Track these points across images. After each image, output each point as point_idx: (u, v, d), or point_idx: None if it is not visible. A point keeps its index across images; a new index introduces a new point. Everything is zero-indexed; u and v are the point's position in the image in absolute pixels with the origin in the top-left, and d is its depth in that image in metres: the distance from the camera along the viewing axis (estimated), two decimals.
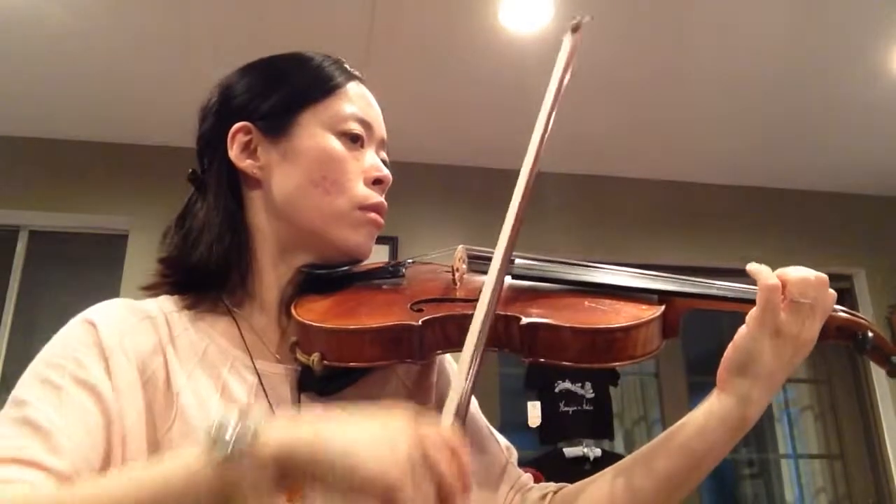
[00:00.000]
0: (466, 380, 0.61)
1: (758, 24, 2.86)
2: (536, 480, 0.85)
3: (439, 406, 0.82)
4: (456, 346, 0.69)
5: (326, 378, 0.73)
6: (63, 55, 2.97)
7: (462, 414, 0.60)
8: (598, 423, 3.22)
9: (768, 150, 3.78)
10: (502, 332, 0.70)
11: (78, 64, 3.03)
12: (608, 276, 0.76)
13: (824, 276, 0.71)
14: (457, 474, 0.52)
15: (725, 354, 0.71)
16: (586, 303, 0.73)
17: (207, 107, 0.85)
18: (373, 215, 0.81)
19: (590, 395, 3.23)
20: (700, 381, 3.90)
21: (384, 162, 0.86)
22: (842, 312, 0.75)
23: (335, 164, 0.79)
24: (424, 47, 2.99)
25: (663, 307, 0.72)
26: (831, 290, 0.71)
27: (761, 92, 3.28)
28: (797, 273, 0.70)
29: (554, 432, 3.19)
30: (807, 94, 3.31)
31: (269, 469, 0.51)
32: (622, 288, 0.74)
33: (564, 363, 0.68)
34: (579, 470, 2.98)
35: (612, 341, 0.68)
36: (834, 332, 0.75)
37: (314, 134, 0.80)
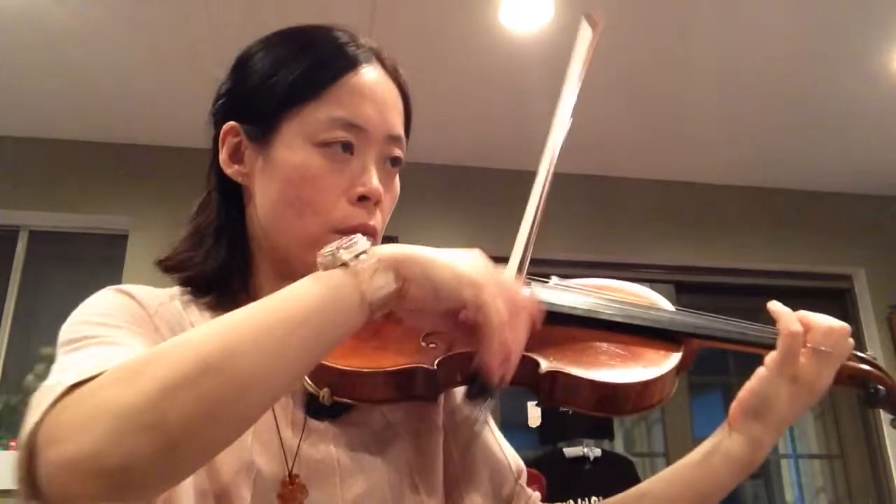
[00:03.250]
0: (530, 234, 0.66)
1: (760, 25, 2.86)
2: (536, 480, 0.84)
3: (448, 412, 0.80)
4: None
5: (335, 405, 0.71)
6: (63, 55, 2.97)
7: (523, 269, 0.68)
8: (598, 423, 3.21)
9: (769, 150, 3.78)
10: (519, 371, 0.67)
11: (78, 64, 3.03)
12: (627, 313, 0.74)
13: (847, 326, 0.70)
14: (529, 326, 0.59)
15: (740, 396, 0.70)
16: (605, 346, 0.72)
17: (218, 89, 0.80)
18: None
19: None
20: (700, 380, 3.90)
21: (395, 159, 0.76)
22: (855, 361, 0.74)
23: (309, 182, 0.71)
24: (424, 47, 2.99)
25: (682, 352, 0.71)
26: (850, 341, 0.72)
27: (762, 93, 3.28)
28: (822, 321, 0.69)
29: (554, 432, 3.19)
30: (807, 94, 3.31)
31: (390, 272, 0.56)
32: (643, 329, 0.73)
33: (582, 411, 0.68)
34: (579, 470, 2.98)
35: (631, 394, 0.67)
36: (845, 380, 0.74)
37: (291, 146, 0.72)
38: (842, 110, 3.42)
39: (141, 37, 2.89)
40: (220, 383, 0.47)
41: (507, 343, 0.58)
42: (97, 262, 3.62)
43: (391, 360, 0.68)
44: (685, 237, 3.95)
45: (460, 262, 0.59)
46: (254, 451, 0.67)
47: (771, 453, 4.16)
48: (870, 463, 3.84)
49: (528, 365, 0.68)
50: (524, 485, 0.81)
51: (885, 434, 3.79)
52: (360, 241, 0.58)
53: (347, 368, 0.67)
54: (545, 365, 0.67)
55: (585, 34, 0.78)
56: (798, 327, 0.68)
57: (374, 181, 0.73)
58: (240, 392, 0.48)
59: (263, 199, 0.74)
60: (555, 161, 0.74)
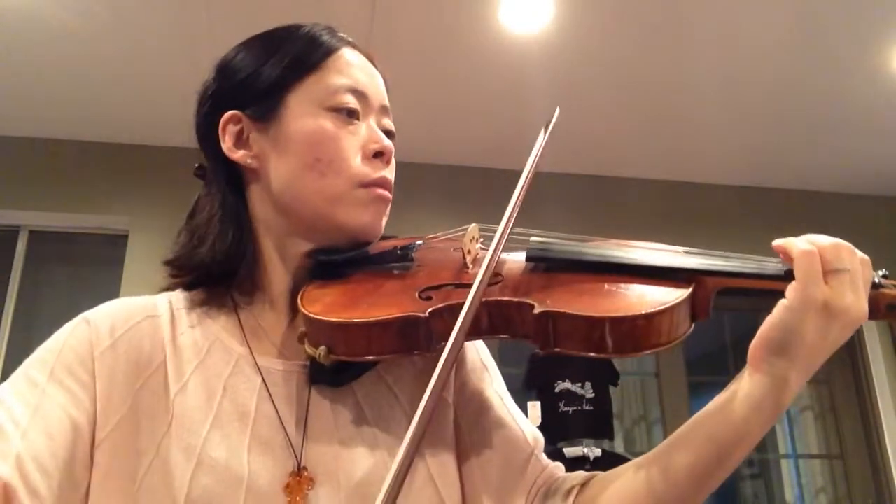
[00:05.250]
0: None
1: (760, 24, 2.86)
2: None
3: (458, 386, 0.79)
4: (468, 333, 0.65)
5: (337, 369, 0.71)
6: (63, 55, 2.97)
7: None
8: (598, 423, 3.21)
9: (769, 150, 3.78)
10: (517, 321, 0.66)
11: (78, 64, 3.04)
12: (631, 254, 0.71)
13: (847, 244, 0.65)
14: None
15: (761, 330, 0.62)
16: (606, 286, 0.67)
17: (202, 94, 0.82)
18: (377, 191, 0.76)
19: (590, 395, 3.23)
20: (700, 381, 3.90)
21: (388, 132, 0.80)
22: (893, 290, 0.66)
23: (327, 143, 0.74)
24: (424, 47, 2.99)
25: (691, 288, 0.65)
26: (864, 257, 0.66)
27: (763, 92, 3.28)
28: (825, 239, 0.63)
29: (554, 432, 3.19)
30: (808, 94, 3.31)
31: None
32: (646, 268, 0.68)
33: (584, 354, 0.63)
34: (579, 470, 2.98)
35: (634, 329, 0.62)
36: (884, 311, 0.66)
37: (303, 114, 0.75)
38: (842, 110, 3.43)
39: (141, 37, 2.89)
40: None
41: None
42: (97, 262, 3.62)
43: (383, 311, 0.67)
44: (685, 237, 3.92)
45: None
46: (253, 453, 0.67)
47: (771, 453, 4.18)
48: (870, 463, 3.84)
49: (522, 311, 0.65)
50: (540, 455, 0.79)
51: (885, 434, 3.79)
52: None
53: (338, 320, 0.67)
54: (539, 307, 0.64)
55: (540, 138, 0.78)
56: (809, 246, 0.62)
57: (386, 139, 0.78)
58: None
59: (279, 172, 0.76)
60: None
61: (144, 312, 0.75)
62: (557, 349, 0.64)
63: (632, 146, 3.74)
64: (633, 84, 3.24)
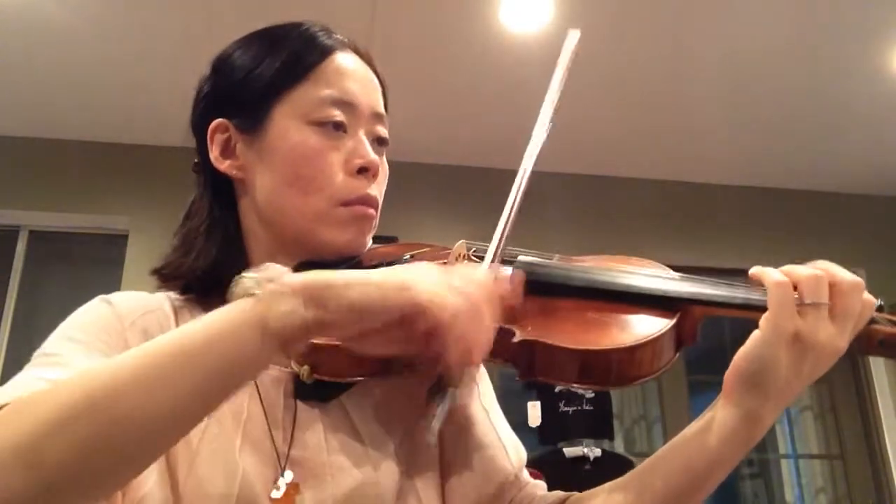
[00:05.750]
0: (508, 216, 0.65)
1: (760, 24, 2.86)
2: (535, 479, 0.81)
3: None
4: None
5: (322, 385, 0.70)
6: (64, 55, 2.97)
7: (499, 256, 0.65)
8: (598, 422, 3.21)
9: (769, 150, 3.78)
10: (498, 345, 0.64)
11: (78, 64, 3.04)
12: (619, 279, 0.69)
13: (854, 279, 0.62)
14: (495, 308, 0.55)
15: (734, 362, 0.62)
16: (589, 314, 0.66)
17: (198, 91, 0.81)
18: (359, 209, 0.74)
19: (590, 394, 3.23)
20: (700, 380, 3.90)
21: (381, 139, 0.78)
22: (887, 325, 0.64)
23: (309, 159, 0.73)
24: (424, 47, 2.99)
25: (676, 318, 0.64)
26: (867, 296, 0.63)
27: (763, 92, 3.28)
28: (805, 271, 0.61)
29: (554, 432, 3.19)
30: (808, 94, 3.31)
31: (298, 298, 0.52)
32: (632, 295, 0.67)
33: (567, 385, 0.63)
34: (579, 470, 2.98)
35: (617, 362, 0.62)
36: (876, 347, 0.65)
37: (287, 128, 0.74)
38: (842, 110, 3.43)
39: (141, 37, 2.89)
40: (99, 424, 0.48)
41: (463, 336, 0.54)
42: (97, 262, 3.62)
43: None
44: (685, 237, 3.95)
45: (387, 274, 0.55)
46: (243, 453, 0.67)
47: (771, 453, 4.17)
48: (870, 463, 3.84)
49: (504, 337, 0.64)
50: (521, 474, 0.78)
51: (885, 434, 3.79)
52: (272, 268, 0.56)
53: (321, 342, 0.65)
54: (519, 335, 0.63)
55: (571, 44, 0.76)
56: (782, 277, 0.61)
57: (372, 153, 0.75)
58: (119, 433, 0.48)
59: (263, 186, 0.75)
60: (535, 157, 0.72)
61: (153, 304, 0.74)
62: (540, 379, 0.63)
63: (632, 146, 3.74)
64: (633, 84, 3.24)
